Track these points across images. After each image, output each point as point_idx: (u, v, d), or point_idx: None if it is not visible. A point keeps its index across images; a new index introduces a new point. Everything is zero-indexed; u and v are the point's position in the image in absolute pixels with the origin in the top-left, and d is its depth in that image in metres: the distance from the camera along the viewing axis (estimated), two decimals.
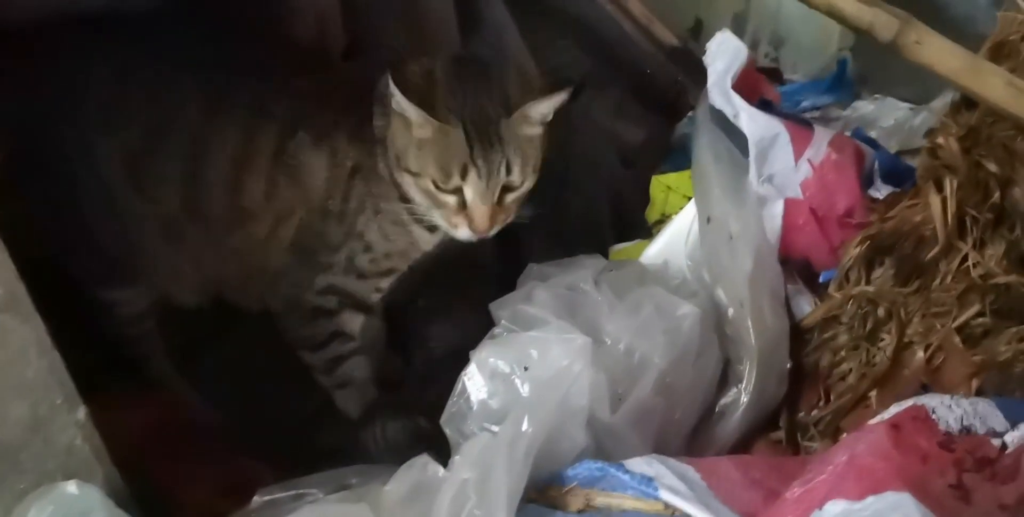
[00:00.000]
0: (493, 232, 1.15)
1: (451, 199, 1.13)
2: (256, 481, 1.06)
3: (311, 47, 1.49)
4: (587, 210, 1.67)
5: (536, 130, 1.15)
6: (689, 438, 1.14)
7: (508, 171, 1.12)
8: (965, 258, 1.16)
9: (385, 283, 1.28)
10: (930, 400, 0.85)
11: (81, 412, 0.84)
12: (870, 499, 0.70)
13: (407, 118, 1.11)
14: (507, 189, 1.14)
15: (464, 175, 1.11)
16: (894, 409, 0.86)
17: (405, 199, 1.18)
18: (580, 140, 1.73)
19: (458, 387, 0.98)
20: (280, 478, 1.03)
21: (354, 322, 1.30)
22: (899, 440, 0.77)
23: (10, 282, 0.78)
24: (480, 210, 1.13)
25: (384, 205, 1.20)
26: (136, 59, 1.22)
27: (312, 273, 1.25)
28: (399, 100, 1.09)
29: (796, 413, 1.20)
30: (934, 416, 0.83)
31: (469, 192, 1.12)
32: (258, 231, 1.24)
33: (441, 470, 0.85)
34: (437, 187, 1.13)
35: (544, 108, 1.13)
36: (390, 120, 1.15)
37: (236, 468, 1.25)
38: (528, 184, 1.16)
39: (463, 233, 1.15)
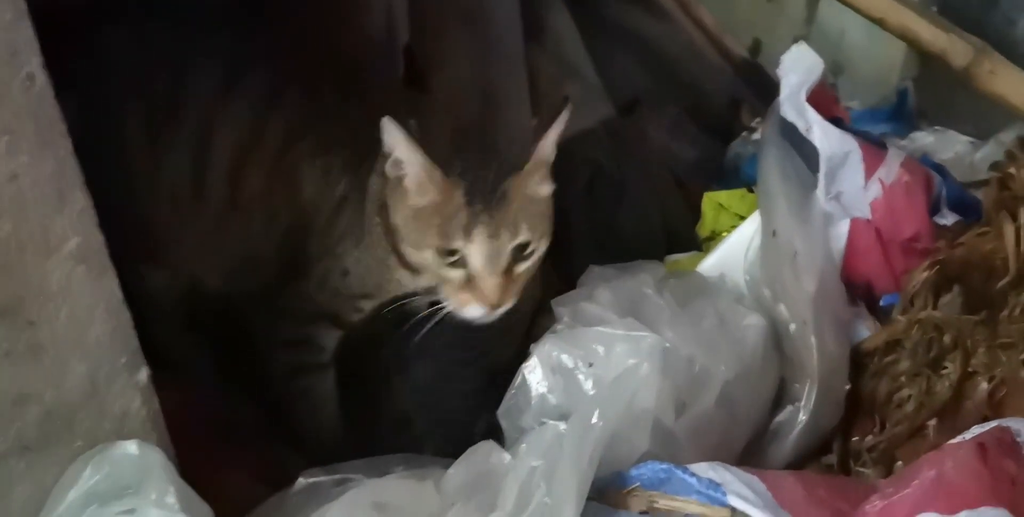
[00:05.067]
0: (504, 309, 1.02)
1: (456, 273, 1.02)
2: (291, 468, 1.04)
3: (378, 38, 1.49)
4: (639, 226, 1.65)
5: (546, 190, 1.05)
6: (740, 456, 1.11)
7: (517, 233, 1.01)
8: None
9: (366, 305, 1.18)
10: (1015, 423, 0.83)
11: (143, 374, 0.82)
12: (964, 514, 0.68)
13: (403, 184, 1.02)
14: (517, 258, 1.03)
15: (468, 238, 1.00)
16: (976, 429, 0.83)
17: (396, 248, 1.09)
18: (634, 157, 1.72)
19: (518, 379, 0.95)
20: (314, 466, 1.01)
21: (328, 336, 1.21)
22: (987, 460, 0.75)
23: (89, 232, 0.75)
24: (489, 281, 1.00)
25: (368, 240, 1.13)
26: (166, 24, 1.19)
27: (292, 275, 1.19)
28: (398, 143, 0.98)
29: (849, 438, 1.17)
30: (1020, 440, 0.80)
31: (475, 259, 1.00)
32: (253, 224, 1.20)
33: (507, 457, 0.83)
34: (440, 258, 1.02)
35: (553, 138, 1.02)
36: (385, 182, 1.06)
37: (270, 455, 1.24)
38: (539, 253, 1.05)
39: (472, 311, 1.02)
